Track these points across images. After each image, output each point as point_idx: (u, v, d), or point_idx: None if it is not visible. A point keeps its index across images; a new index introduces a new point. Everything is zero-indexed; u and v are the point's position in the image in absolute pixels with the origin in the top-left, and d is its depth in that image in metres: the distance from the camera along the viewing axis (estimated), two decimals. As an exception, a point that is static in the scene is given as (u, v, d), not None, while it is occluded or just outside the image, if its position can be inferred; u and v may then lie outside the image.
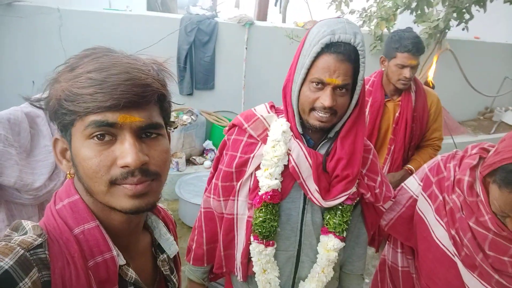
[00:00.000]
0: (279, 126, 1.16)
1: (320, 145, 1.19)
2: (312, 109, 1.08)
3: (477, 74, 5.22)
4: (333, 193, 1.17)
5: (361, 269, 1.41)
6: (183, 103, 3.98)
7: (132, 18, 3.82)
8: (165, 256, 0.81)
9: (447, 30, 4.51)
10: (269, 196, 1.15)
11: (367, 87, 2.13)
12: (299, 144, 1.16)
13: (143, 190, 0.61)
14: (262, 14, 5.82)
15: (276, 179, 1.16)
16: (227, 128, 1.29)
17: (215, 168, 1.33)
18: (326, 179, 1.17)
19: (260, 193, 1.17)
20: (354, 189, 1.20)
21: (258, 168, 1.19)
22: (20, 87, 3.50)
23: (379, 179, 1.29)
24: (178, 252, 0.87)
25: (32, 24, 3.43)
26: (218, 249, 1.30)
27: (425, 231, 1.30)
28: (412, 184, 1.41)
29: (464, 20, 4.37)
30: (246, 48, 4.27)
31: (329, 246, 1.21)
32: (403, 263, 1.47)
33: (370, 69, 5.12)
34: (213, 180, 1.30)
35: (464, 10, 4.26)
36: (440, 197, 1.26)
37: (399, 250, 1.48)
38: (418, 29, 4.82)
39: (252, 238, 1.21)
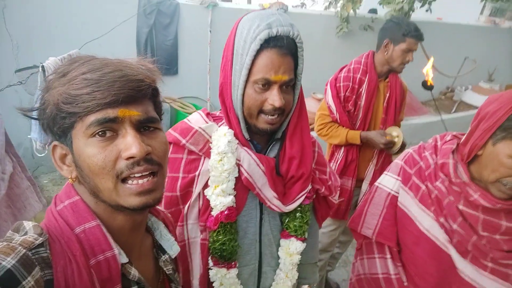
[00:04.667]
0: (222, 136, 1.03)
1: (269, 148, 1.11)
2: (260, 111, 0.99)
3: (439, 54, 5.31)
4: (291, 196, 1.11)
5: (315, 258, 1.39)
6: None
7: (86, 0, 3.55)
8: (167, 256, 0.81)
9: (411, 12, 4.53)
10: (225, 215, 1.04)
11: (360, 67, 2.18)
12: (247, 152, 1.06)
13: (150, 187, 0.64)
14: (228, -7, 5.62)
15: (229, 195, 1.05)
16: None
17: None
18: (281, 183, 1.11)
19: (214, 213, 1.05)
20: (310, 187, 1.15)
21: (206, 186, 1.06)
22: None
23: (328, 170, 1.26)
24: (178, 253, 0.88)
25: (-30, 6, 3.11)
26: None
27: (410, 225, 1.25)
28: (388, 181, 1.34)
29: (428, 2, 4.40)
30: (210, 31, 4.11)
31: (291, 250, 1.16)
32: (393, 270, 1.34)
33: (340, 51, 5.05)
34: None
35: (428, -8, 4.29)
36: (423, 187, 1.23)
37: (388, 256, 1.36)
38: (383, 11, 4.82)
39: (211, 263, 1.11)
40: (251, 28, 0.94)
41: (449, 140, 1.24)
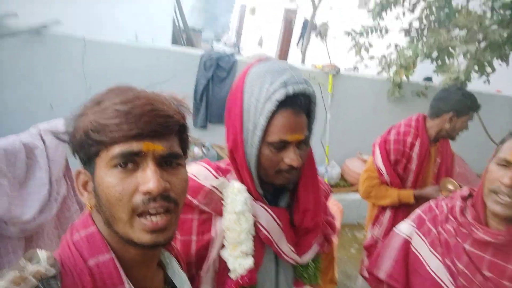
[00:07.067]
0: (238, 194, 0.96)
1: (280, 198, 1.06)
2: (278, 171, 0.94)
3: (498, 128, 5.08)
4: (305, 246, 1.05)
5: None
6: (197, 137, 3.98)
7: (154, 51, 3.92)
8: None
9: (467, 82, 4.46)
10: (247, 279, 0.96)
11: (411, 130, 2.15)
12: (264, 207, 0.99)
13: (163, 226, 0.62)
14: (284, 53, 5.92)
15: (249, 255, 0.96)
16: None
17: None
18: (294, 233, 1.06)
19: (232, 276, 0.96)
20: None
21: (222, 246, 0.99)
22: (39, 110, 3.59)
23: (328, 206, 1.20)
24: None
25: (56, 51, 3.56)
26: None
27: (419, 266, 1.30)
28: (403, 227, 1.42)
29: (485, 73, 4.31)
30: (263, 87, 4.29)
31: None
32: None
33: (391, 115, 4.98)
34: None
35: (486, 64, 4.22)
36: (434, 231, 1.30)
37: None
38: (438, 79, 4.79)
39: None
40: (263, 86, 0.89)
41: (465, 190, 1.34)
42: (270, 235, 0.99)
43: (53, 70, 3.60)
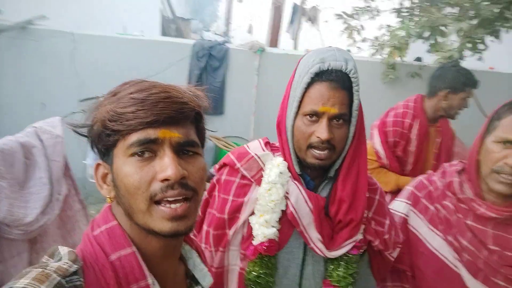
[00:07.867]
0: (275, 166, 1.04)
1: (322, 186, 1.08)
2: (309, 146, 0.98)
3: (492, 104, 5.09)
4: (337, 242, 1.05)
5: None
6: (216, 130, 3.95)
7: (145, 43, 3.86)
8: (200, 287, 0.79)
9: (461, 60, 4.45)
10: (264, 247, 1.01)
11: (409, 111, 2.14)
12: (297, 186, 1.04)
13: (182, 213, 0.62)
14: (274, 40, 5.87)
15: (273, 226, 1.03)
16: (217, 166, 1.17)
17: (203, 211, 1.17)
18: (329, 226, 1.06)
19: (254, 243, 1.03)
20: (360, 236, 1.08)
21: (252, 213, 1.06)
22: (30, 109, 3.53)
23: (387, 222, 1.18)
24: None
25: (45, 47, 3.49)
26: None
27: (421, 246, 1.28)
28: (399, 206, 1.38)
29: (478, 51, 4.30)
30: (257, 75, 4.25)
31: None
32: None
33: (386, 98, 4.97)
34: (204, 227, 1.14)
35: (478, 41, 4.21)
36: (432, 208, 1.28)
37: (399, 284, 1.37)
38: (432, 58, 4.78)
39: None
40: (307, 63, 0.98)
41: (455, 164, 1.33)
42: (298, 215, 1.02)
43: (42, 67, 3.54)
